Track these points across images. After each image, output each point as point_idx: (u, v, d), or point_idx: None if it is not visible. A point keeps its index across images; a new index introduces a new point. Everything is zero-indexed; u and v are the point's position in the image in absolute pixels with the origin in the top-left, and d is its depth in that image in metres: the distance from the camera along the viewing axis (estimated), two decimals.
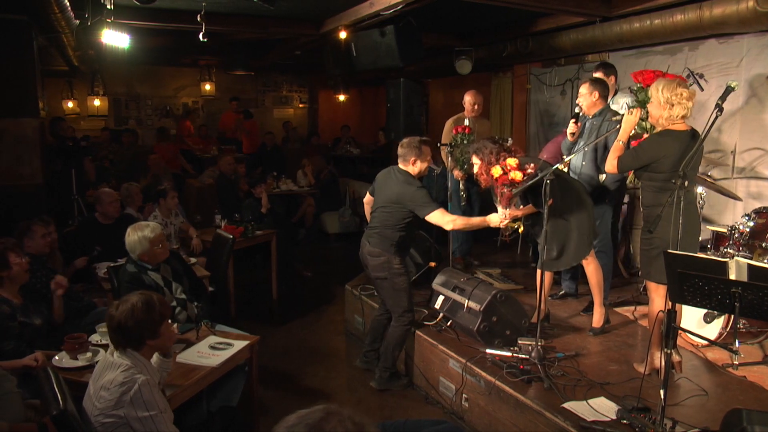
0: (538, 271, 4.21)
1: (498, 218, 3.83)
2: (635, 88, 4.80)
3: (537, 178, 3.61)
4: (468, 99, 5.97)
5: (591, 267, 4.18)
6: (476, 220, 4.00)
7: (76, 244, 5.06)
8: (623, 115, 3.74)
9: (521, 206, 3.99)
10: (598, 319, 4.28)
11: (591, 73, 6.71)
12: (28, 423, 2.49)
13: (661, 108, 3.38)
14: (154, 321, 2.46)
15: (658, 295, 3.51)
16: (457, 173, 5.58)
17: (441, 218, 3.89)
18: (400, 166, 4.11)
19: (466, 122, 5.80)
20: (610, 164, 3.61)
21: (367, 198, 4.47)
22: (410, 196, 3.93)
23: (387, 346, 4.24)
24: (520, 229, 4.00)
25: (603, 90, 4.45)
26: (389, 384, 4.25)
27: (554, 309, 4.74)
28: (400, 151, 4.12)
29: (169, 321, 2.60)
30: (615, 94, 5.05)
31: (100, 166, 8.40)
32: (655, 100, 3.41)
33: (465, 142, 5.47)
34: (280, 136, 11.81)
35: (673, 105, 3.34)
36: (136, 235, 3.59)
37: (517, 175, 3.67)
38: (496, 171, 3.74)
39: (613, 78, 4.95)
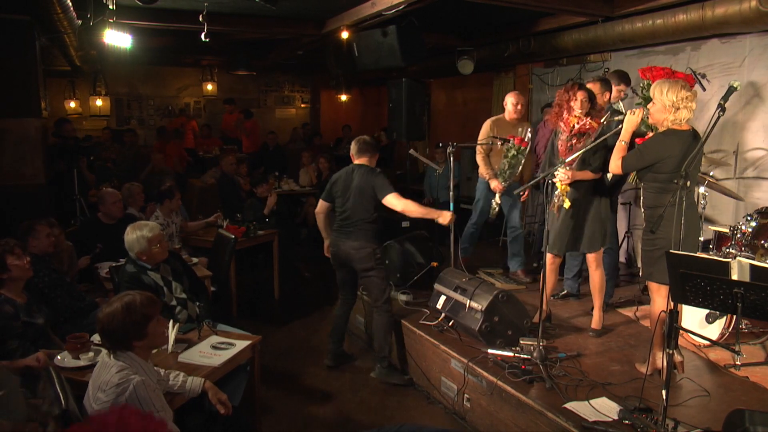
0: (543, 272, 4.22)
1: (448, 216, 4.27)
2: (641, 85, 4.77)
3: (602, 137, 3.84)
4: (510, 100, 5.47)
5: (598, 272, 4.23)
6: (428, 211, 4.39)
7: (77, 244, 5.07)
8: (624, 115, 3.73)
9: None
10: (597, 320, 4.30)
11: (592, 74, 6.72)
12: (31, 422, 2.50)
13: (666, 111, 3.37)
14: (137, 322, 2.43)
15: (659, 296, 3.51)
16: (496, 185, 5.16)
17: (396, 201, 4.23)
18: (359, 162, 4.44)
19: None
20: (614, 165, 3.61)
21: (322, 207, 4.56)
22: (376, 182, 4.28)
23: (378, 335, 4.35)
24: (567, 205, 4.01)
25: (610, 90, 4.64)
26: (389, 376, 4.29)
27: (556, 309, 4.74)
28: (357, 147, 4.48)
29: (159, 319, 2.55)
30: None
31: (103, 166, 8.41)
32: (659, 103, 3.40)
33: (520, 156, 5.07)
34: (287, 136, 11.82)
35: (678, 108, 3.34)
36: (135, 234, 3.61)
37: (594, 124, 3.85)
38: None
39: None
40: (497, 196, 5.14)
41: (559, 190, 3.99)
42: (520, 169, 5.10)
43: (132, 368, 2.38)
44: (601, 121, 3.97)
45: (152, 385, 2.40)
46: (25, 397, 2.61)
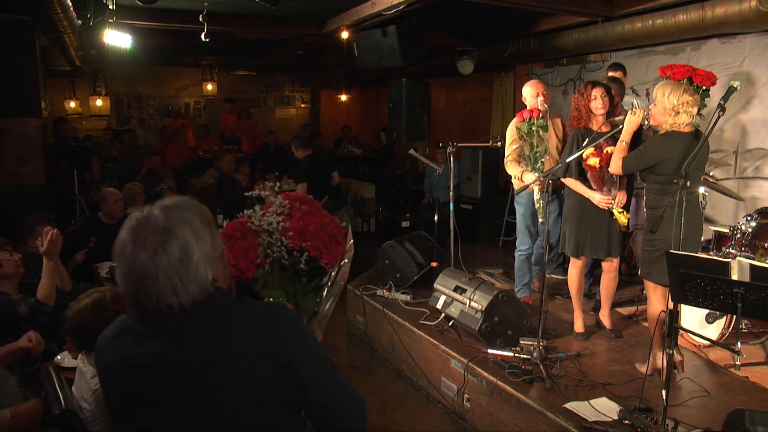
0: (570, 278, 4.20)
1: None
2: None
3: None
4: (529, 90, 4.62)
5: (613, 275, 4.13)
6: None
7: (78, 244, 5.06)
8: (625, 115, 3.73)
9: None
10: (608, 321, 4.25)
11: (592, 74, 6.71)
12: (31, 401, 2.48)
13: (666, 114, 3.37)
14: (108, 320, 2.30)
15: (655, 295, 3.52)
16: (531, 177, 4.30)
17: (336, 174, 6.78)
18: (311, 152, 6.60)
19: (540, 102, 4.53)
20: (615, 165, 3.61)
21: (305, 188, 6.21)
22: (332, 161, 6.96)
23: None
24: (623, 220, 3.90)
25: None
26: None
27: (557, 309, 4.74)
28: (302, 142, 6.63)
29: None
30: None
31: (104, 166, 8.41)
32: (660, 105, 3.40)
33: (534, 129, 4.37)
34: (287, 136, 11.81)
35: (678, 113, 3.33)
36: None
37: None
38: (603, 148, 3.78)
39: (626, 78, 4.88)
40: (536, 191, 4.37)
41: (619, 219, 3.88)
42: (547, 147, 4.44)
43: None
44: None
45: None
46: (24, 397, 2.61)
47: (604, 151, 3.76)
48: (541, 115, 4.40)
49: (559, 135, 4.80)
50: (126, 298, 1.30)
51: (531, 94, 4.60)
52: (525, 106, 4.64)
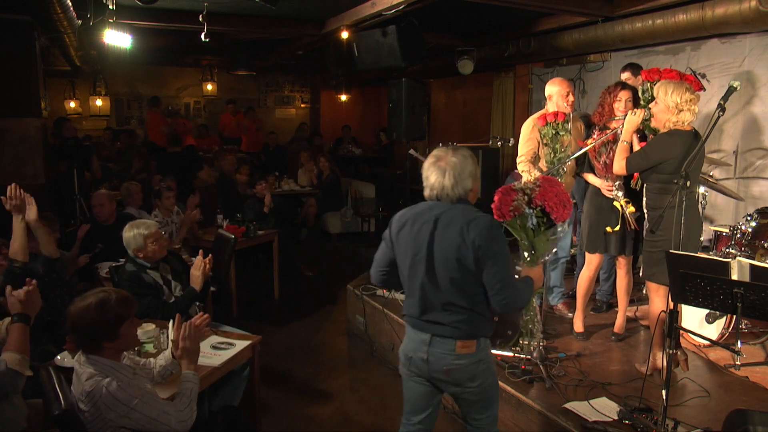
0: (581, 278, 4.16)
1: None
2: (644, 88, 4.69)
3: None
4: (557, 89, 4.13)
5: (629, 276, 4.11)
6: None
7: (84, 247, 5.06)
8: (625, 115, 3.72)
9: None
10: (621, 324, 4.20)
11: (592, 74, 6.70)
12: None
13: (669, 113, 3.38)
14: (109, 322, 2.27)
15: (658, 296, 3.51)
16: None
17: None
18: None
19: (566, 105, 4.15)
20: (618, 165, 3.61)
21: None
22: None
23: None
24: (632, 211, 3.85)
25: None
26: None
27: (558, 309, 4.73)
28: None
29: (133, 320, 2.40)
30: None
31: (104, 166, 8.42)
32: (662, 104, 3.40)
33: (561, 133, 4.08)
34: (287, 136, 11.84)
35: (681, 110, 3.34)
36: (132, 232, 3.64)
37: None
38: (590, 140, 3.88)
39: (640, 78, 4.79)
40: None
41: (627, 210, 3.84)
42: (568, 153, 4.08)
43: (101, 373, 2.28)
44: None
45: (126, 379, 2.32)
46: (23, 396, 2.61)
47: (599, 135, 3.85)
48: (566, 119, 4.11)
49: (582, 137, 4.62)
50: (429, 189, 2.44)
51: (560, 93, 4.13)
52: (526, 106, 4.62)
